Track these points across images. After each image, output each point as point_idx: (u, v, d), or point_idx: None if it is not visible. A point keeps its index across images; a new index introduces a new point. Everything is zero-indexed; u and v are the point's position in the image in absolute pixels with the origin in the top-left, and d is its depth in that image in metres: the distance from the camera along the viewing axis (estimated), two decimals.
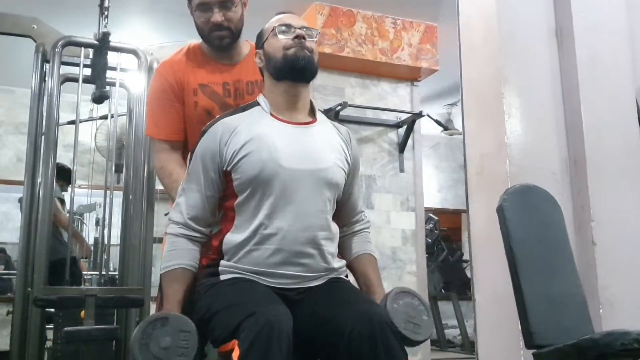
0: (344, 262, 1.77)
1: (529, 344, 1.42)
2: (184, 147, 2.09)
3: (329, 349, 1.48)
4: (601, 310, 1.92)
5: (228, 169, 1.63)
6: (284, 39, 1.67)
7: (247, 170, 1.59)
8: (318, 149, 1.67)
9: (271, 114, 1.68)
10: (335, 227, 1.72)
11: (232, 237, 1.63)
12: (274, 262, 1.58)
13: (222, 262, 1.63)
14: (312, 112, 1.76)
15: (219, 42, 1.99)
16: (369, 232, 1.87)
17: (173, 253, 1.65)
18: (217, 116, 1.81)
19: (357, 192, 1.84)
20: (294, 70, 1.65)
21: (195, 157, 1.68)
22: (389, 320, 1.48)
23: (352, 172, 1.77)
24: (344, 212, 1.80)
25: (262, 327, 1.32)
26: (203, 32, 2.00)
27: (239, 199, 1.63)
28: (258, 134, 1.63)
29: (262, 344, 1.30)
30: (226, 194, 1.68)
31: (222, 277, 1.61)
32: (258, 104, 1.73)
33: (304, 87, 1.70)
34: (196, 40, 2.09)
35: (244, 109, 1.72)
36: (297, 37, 1.66)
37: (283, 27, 1.68)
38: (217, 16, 1.92)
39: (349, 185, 1.77)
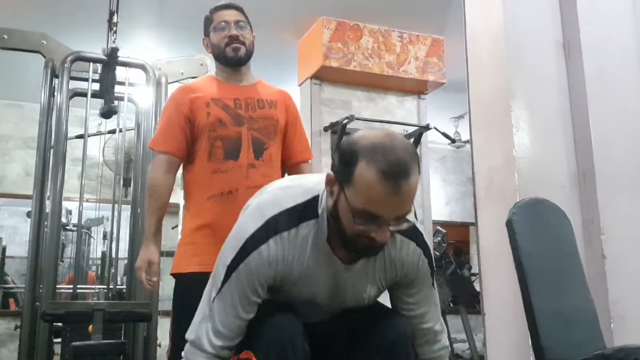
0: None
1: (539, 359, 1.40)
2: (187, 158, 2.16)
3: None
4: (612, 325, 1.90)
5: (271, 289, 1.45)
6: None
7: (283, 297, 1.46)
8: (356, 291, 1.48)
9: (328, 243, 1.39)
10: None
11: None
12: None
13: None
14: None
15: (234, 53, 2.16)
16: None
17: None
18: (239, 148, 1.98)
19: (423, 310, 1.51)
20: None
21: (236, 274, 1.36)
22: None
23: (405, 288, 1.51)
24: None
25: (274, 340, 1.33)
26: (219, 48, 2.18)
27: None
28: (309, 272, 1.40)
29: (275, 356, 1.32)
30: None
31: None
32: (316, 216, 1.39)
33: None
34: (202, 55, 2.20)
35: (299, 221, 1.38)
36: None
37: None
38: (233, 30, 2.16)
39: (406, 300, 1.51)
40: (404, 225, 1.27)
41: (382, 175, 1.19)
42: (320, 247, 1.38)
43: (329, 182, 1.32)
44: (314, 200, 1.38)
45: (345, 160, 1.26)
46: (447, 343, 1.58)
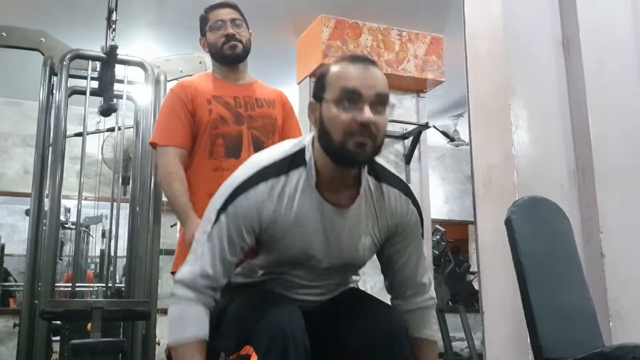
0: (358, 277, 1.77)
1: (538, 358, 1.40)
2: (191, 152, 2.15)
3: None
4: (611, 323, 1.90)
5: (260, 239, 1.49)
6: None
7: (278, 252, 1.50)
8: (351, 240, 1.51)
9: (317, 189, 1.45)
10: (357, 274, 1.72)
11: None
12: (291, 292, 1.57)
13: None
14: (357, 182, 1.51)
15: (231, 51, 2.18)
16: (430, 310, 1.63)
17: (186, 321, 1.43)
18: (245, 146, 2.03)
19: (413, 262, 1.58)
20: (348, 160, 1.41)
21: (224, 216, 1.41)
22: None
23: (395, 241, 1.56)
24: (396, 283, 1.61)
25: (275, 335, 1.33)
26: (217, 47, 2.20)
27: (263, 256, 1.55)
28: (299, 219, 1.44)
29: (277, 351, 1.32)
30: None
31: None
32: (304, 164, 1.45)
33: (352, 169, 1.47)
34: (201, 53, 2.19)
35: (288, 169, 1.44)
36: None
37: None
38: (230, 29, 2.17)
39: (396, 253, 1.57)
40: (386, 112, 1.37)
41: (349, 61, 1.38)
42: (310, 193, 1.44)
43: (311, 109, 1.43)
44: (302, 150, 1.47)
45: (318, 79, 1.43)
46: (434, 295, 1.65)
